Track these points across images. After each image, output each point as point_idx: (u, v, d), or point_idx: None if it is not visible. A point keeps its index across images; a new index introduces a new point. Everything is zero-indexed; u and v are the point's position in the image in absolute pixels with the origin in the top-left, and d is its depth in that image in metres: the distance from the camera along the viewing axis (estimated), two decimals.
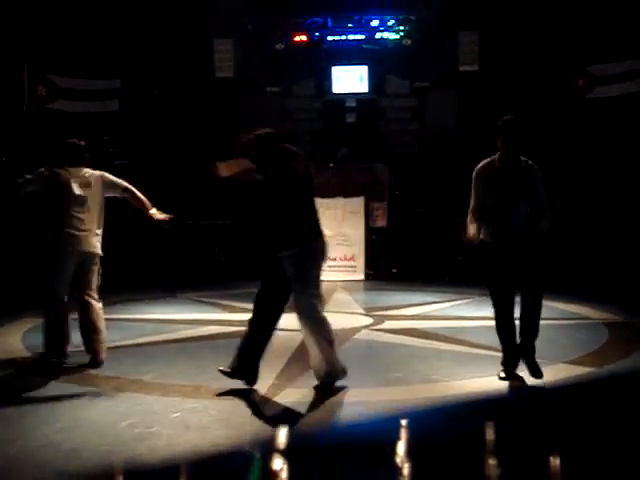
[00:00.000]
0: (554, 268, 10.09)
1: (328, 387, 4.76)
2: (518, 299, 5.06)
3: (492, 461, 3.49)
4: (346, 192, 12.38)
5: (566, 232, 11.11)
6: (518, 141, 5.00)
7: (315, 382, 4.83)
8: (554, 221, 5.16)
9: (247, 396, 4.64)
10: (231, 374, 4.77)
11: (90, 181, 5.71)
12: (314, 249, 4.86)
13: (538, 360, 5.02)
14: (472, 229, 5.09)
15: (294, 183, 4.94)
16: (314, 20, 13.83)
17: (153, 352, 6.18)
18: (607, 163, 11.63)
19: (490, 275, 5.09)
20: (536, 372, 4.93)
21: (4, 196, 6.67)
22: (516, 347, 5.05)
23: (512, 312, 5.06)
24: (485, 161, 5.16)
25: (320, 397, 4.65)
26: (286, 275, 4.74)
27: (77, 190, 5.58)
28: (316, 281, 4.85)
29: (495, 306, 5.11)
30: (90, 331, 5.55)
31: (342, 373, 4.81)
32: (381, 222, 12.32)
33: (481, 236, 5.09)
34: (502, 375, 5.04)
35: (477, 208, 5.11)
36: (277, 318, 4.91)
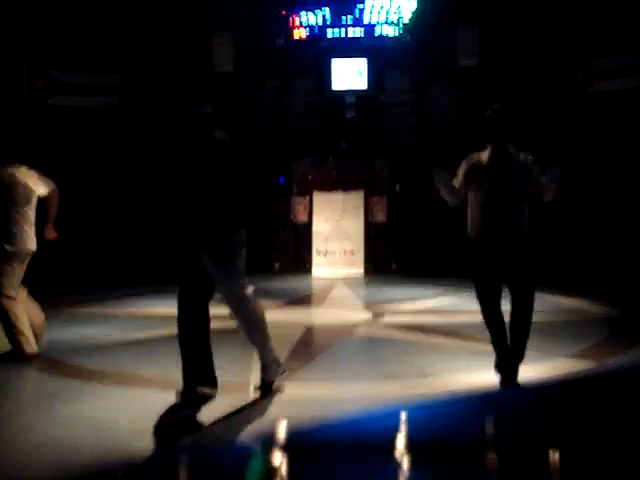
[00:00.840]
0: (555, 263, 10.14)
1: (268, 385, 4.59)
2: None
3: (491, 456, 3.51)
4: (345, 187, 12.38)
5: (567, 227, 11.13)
6: (508, 132, 4.76)
7: (316, 378, 4.83)
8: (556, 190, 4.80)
9: (246, 392, 4.64)
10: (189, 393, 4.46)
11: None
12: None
13: (538, 352, 5.02)
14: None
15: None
16: (314, 15, 13.82)
17: (153, 347, 6.17)
18: (608, 158, 11.62)
19: (476, 271, 4.91)
20: (511, 377, 4.74)
21: None
22: (507, 344, 4.85)
23: (499, 308, 4.86)
24: (476, 154, 4.94)
25: (319, 392, 4.66)
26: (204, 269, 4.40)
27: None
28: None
29: (481, 303, 4.92)
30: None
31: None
32: (380, 217, 12.31)
33: (468, 233, 4.94)
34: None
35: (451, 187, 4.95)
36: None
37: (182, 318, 4.60)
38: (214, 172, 4.31)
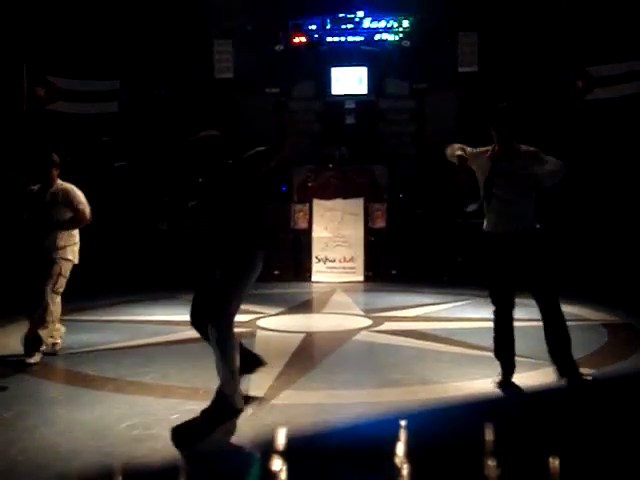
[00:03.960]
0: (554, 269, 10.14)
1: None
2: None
3: (491, 462, 3.51)
4: (345, 193, 12.40)
5: (565, 233, 11.13)
6: (511, 129, 4.81)
7: (316, 385, 4.83)
8: (563, 175, 4.69)
9: (246, 397, 4.64)
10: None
11: None
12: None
13: (535, 361, 5.02)
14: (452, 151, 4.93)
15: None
16: (313, 21, 13.86)
17: (153, 353, 6.18)
18: (607, 164, 11.64)
19: (490, 270, 4.91)
20: (564, 373, 4.83)
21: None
22: (512, 352, 4.94)
23: (511, 312, 4.90)
24: (483, 148, 4.98)
25: (318, 399, 4.65)
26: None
27: None
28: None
29: (494, 304, 4.94)
30: None
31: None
32: (380, 223, 12.33)
33: (483, 226, 4.97)
34: (497, 380, 4.90)
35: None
36: None
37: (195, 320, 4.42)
38: (233, 192, 4.31)
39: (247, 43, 13.66)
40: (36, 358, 5.72)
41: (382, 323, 7.67)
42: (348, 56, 14.15)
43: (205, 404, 4.48)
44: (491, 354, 5.60)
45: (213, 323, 4.16)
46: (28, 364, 5.62)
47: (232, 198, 4.31)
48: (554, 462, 3.43)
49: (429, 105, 14.22)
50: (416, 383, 5.07)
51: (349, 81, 14.23)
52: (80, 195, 5.99)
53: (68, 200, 5.93)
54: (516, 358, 5.33)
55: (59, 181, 6.03)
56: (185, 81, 13.83)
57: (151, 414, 4.30)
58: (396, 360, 5.84)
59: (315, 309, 9.59)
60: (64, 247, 5.92)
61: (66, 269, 5.94)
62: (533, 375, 5.10)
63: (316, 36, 13.92)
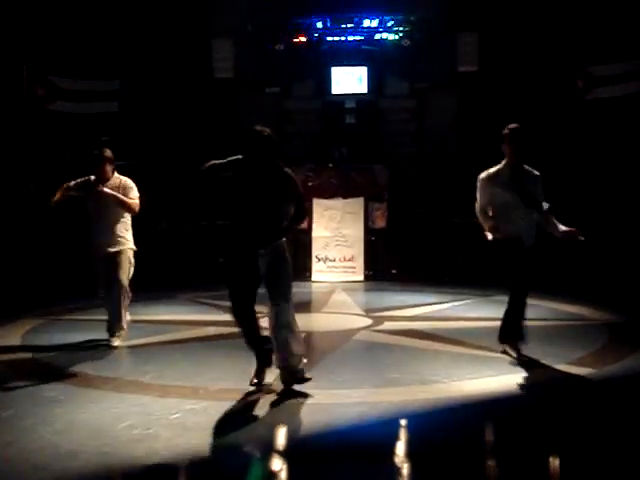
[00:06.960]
0: (554, 269, 10.14)
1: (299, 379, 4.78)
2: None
3: (491, 461, 3.50)
4: (345, 193, 12.39)
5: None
6: (524, 149, 5.41)
7: (316, 384, 4.82)
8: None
9: (246, 397, 4.64)
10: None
11: None
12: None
13: (538, 359, 5.04)
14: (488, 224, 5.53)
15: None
16: (313, 21, 13.86)
17: (152, 353, 6.17)
18: (607, 164, 11.63)
19: (511, 270, 5.44)
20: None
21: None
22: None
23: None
24: (491, 170, 5.53)
25: (319, 398, 4.64)
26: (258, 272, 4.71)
27: None
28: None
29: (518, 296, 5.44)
30: None
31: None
32: (380, 223, 12.32)
33: (496, 235, 5.49)
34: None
35: (483, 207, 5.55)
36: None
37: (238, 310, 4.78)
38: (276, 189, 4.75)
39: (247, 42, 13.66)
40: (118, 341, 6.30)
41: (382, 323, 7.66)
42: (348, 55, 14.16)
43: (204, 403, 4.48)
44: (491, 354, 5.62)
45: (287, 303, 4.68)
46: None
47: (276, 191, 4.72)
48: (554, 461, 3.43)
49: (429, 104, 14.22)
50: (416, 382, 5.06)
51: (349, 80, 14.24)
52: (136, 190, 6.42)
53: (126, 192, 6.35)
54: (520, 358, 5.37)
55: (116, 174, 6.44)
56: (185, 81, 13.82)
57: (150, 414, 4.29)
58: (396, 360, 5.83)
59: (315, 309, 9.57)
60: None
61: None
62: (533, 376, 5.09)
63: (316, 35, 13.93)
